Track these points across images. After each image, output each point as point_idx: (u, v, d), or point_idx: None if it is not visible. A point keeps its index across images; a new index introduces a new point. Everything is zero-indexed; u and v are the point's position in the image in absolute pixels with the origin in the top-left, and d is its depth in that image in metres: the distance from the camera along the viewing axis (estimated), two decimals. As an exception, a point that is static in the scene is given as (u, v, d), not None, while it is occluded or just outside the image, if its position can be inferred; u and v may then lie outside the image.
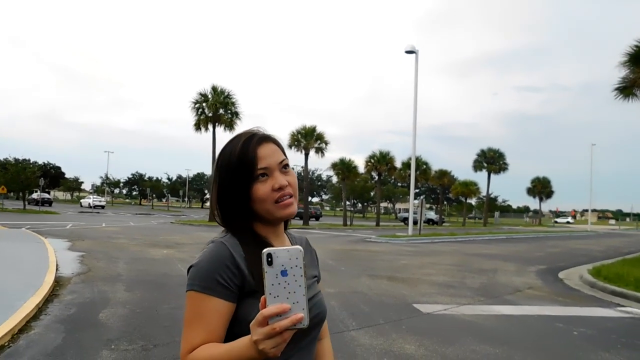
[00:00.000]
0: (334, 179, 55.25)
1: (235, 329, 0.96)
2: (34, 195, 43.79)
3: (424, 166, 40.41)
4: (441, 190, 52.23)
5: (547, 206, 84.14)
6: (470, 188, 49.07)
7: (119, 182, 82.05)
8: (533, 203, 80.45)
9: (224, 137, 32.16)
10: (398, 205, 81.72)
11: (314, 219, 41.15)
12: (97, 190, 67.99)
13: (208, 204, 70.11)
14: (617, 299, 8.10)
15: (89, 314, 5.60)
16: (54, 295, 6.48)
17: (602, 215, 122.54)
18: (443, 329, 5.62)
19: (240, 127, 28.40)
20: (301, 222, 31.97)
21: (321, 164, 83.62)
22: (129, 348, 4.40)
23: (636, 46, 13.28)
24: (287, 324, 0.79)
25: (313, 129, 32.41)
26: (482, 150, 49.68)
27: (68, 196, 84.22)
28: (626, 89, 14.14)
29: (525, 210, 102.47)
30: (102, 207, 50.83)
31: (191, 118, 30.35)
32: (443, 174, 47.87)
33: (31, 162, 50.76)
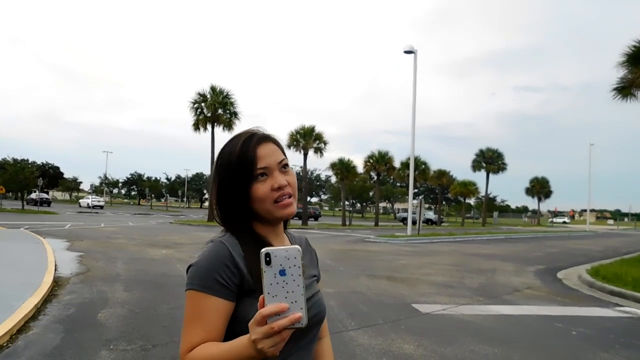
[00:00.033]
0: (333, 179, 55.39)
1: (235, 328, 0.96)
2: (33, 196, 43.81)
3: (423, 166, 40.45)
4: (440, 190, 52.27)
5: (546, 206, 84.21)
6: (469, 188, 49.10)
7: (117, 182, 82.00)
8: (532, 203, 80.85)
9: (222, 137, 32.24)
10: (397, 205, 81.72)
11: (312, 219, 41.20)
12: (96, 190, 68.11)
13: (207, 204, 70.18)
14: (615, 299, 8.12)
15: (88, 314, 5.60)
16: (52, 296, 6.47)
17: (601, 215, 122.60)
18: (442, 329, 5.62)
19: (239, 127, 28.45)
20: (300, 222, 31.96)
21: (320, 164, 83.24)
22: (128, 348, 4.40)
23: (634, 46, 13.28)
24: (286, 323, 0.79)
25: (312, 129, 32.40)
26: (481, 150, 49.77)
27: (67, 196, 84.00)
28: (624, 89, 14.15)
29: (524, 210, 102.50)
30: (101, 207, 50.84)
31: (190, 118, 30.39)
32: (442, 174, 47.91)
33: (30, 162, 50.68)
